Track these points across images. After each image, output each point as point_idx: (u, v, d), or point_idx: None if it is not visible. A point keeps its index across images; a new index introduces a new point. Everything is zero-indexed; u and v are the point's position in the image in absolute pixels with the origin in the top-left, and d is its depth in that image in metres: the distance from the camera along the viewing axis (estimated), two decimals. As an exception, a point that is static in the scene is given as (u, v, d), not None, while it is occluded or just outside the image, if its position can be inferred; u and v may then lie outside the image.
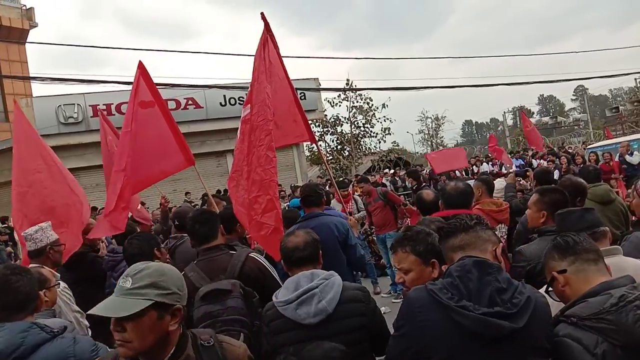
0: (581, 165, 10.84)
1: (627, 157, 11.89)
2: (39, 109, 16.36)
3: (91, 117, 16.55)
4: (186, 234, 3.99)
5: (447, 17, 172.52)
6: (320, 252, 2.56)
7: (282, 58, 4.32)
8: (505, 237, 4.43)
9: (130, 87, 4.99)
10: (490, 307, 1.68)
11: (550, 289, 1.96)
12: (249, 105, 3.99)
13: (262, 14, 4.10)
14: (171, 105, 16.19)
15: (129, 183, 4.25)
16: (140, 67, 4.71)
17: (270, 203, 3.49)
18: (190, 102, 17.73)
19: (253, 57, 4.16)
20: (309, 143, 23.76)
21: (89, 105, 16.78)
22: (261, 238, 3.55)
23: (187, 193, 15.87)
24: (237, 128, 4.27)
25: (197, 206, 13.00)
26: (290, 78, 4.36)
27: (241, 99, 18.07)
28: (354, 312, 2.30)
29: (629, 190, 4.61)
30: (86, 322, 3.41)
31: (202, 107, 18.24)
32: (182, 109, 17.25)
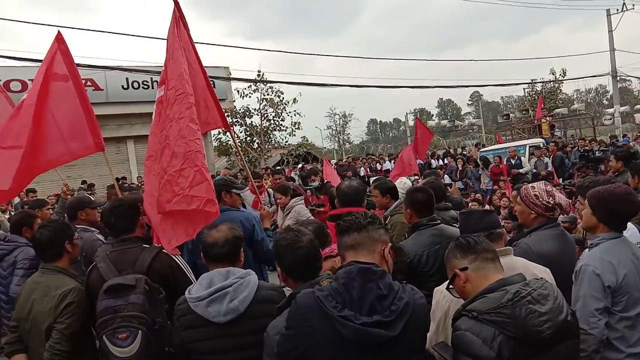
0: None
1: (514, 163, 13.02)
2: None
3: (-29, 92, 14.88)
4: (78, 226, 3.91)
5: (359, 15, 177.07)
6: (242, 249, 2.53)
7: (193, 42, 4.16)
8: None
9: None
10: (369, 316, 1.77)
11: (451, 285, 2.09)
12: (164, 85, 3.76)
13: None
14: (67, 85, 14.99)
15: (30, 162, 3.85)
16: (59, 39, 4.35)
17: (199, 174, 3.22)
18: (89, 82, 16.51)
19: (160, 39, 3.95)
20: (217, 132, 23.32)
21: (-29, 81, 15.10)
22: (193, 213, 3.23)
23: (83, 181, 14.75)
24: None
25: (92, 195, 12.24)
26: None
27: (145, 82, 17.21)
28: (266, 313, 2.29)
29: (513, 194, 5.05)
30: None
31: (102, 90, 17.11)
32: (79, 90, 16.01)
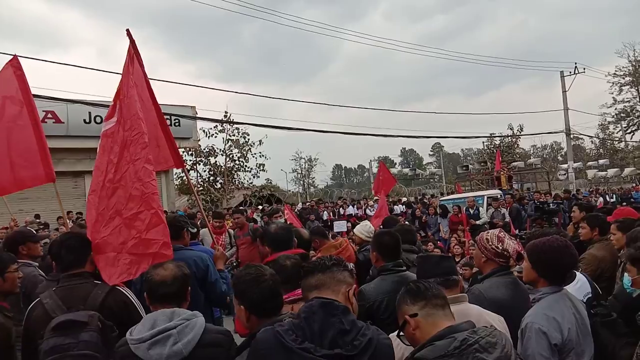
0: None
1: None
2: None
3: None
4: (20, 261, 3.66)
5: (327, 65, 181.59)
6: (189, 289, 2.44)
7: (151, 80, 4.12)
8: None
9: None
10: (331, 349, 1.76)
11: (401, 333, 2.06)
12: (113, 119, 3.68)
13: (127, 30, 3.92)
14: (27, 116, 14.63)
15: None
16: (15, 63, 4.24)
17: (156, 217, 3.19)
18: (49, 115, 16.20)
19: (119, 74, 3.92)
20: (179, 171, 23.01)
21: None
22: (151, 256, 3.15)
23: (36, 215, 14.11)
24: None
25: (40, 230, 11.70)
26: (167, 103, 4.19)
27: (109, 118, 16.96)
28: (211, 357, 2.20)
29: (472, 241, 5.15)
30: None
31: (63, 123, 16.82)
32: (39, 122, 15.63)
